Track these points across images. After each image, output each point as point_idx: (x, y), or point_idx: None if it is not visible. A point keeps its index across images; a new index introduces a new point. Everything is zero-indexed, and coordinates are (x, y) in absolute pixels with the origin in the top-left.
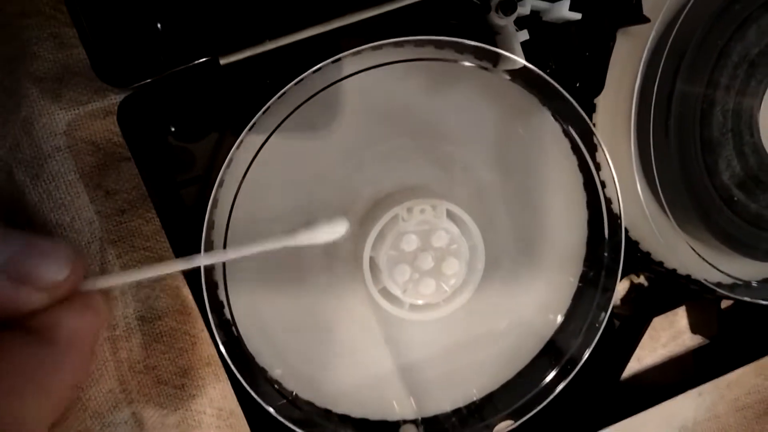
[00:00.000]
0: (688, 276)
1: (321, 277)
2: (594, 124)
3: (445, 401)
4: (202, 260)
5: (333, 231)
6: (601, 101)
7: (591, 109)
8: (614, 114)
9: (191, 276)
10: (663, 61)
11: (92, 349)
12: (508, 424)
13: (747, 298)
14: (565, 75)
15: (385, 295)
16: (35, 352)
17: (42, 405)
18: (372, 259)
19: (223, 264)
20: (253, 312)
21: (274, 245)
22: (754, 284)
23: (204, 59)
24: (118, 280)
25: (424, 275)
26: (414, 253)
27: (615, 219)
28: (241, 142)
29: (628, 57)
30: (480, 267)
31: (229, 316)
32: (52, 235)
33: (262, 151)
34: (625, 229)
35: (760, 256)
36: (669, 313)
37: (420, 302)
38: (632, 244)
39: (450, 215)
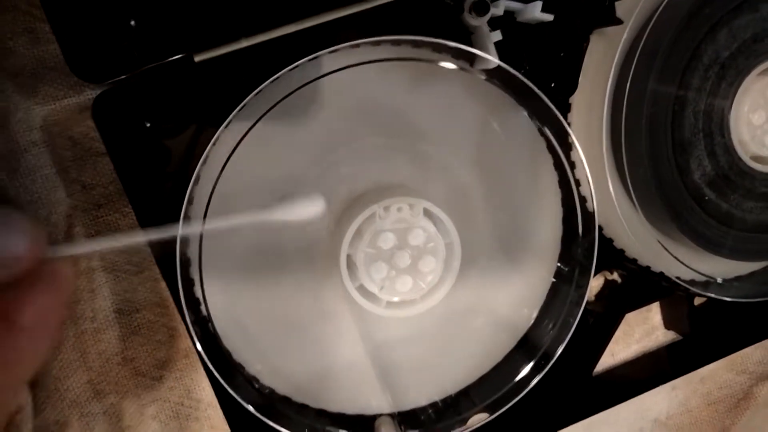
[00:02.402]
0: (661, 273)
1: (299, 274)
2: (569, 124)
3: (421, 395)
4: (175, 230)
5: (310, 208)
6: (575, 101)
7: (566, 109)
8: (589, 113)
9: (168, 272)
10: (635, 62)
11: (57, 327)
12: (483, 417)
13: (717, 296)
14: (540, 75)
15: (362, 292)
16: None
17: (2, 390)
18: (349, 257)
19: (200, 260)
20: (231, 308)
21: (250, 219)
22: (719, 281)
23: (178, 56)
24: (84, 248)
25: (401, 273)
26: (391, 251)
27: (589, 217)
28: (218, 139)
29: (602, 58)
30: (456, 264)
31: (205, 313)
32: None
33: (238, 148)
34: (600, 226)
35: (726, 253)
36: (643, 310)
37: (397, 299)
38: (606, 242)
39: (427, 213)
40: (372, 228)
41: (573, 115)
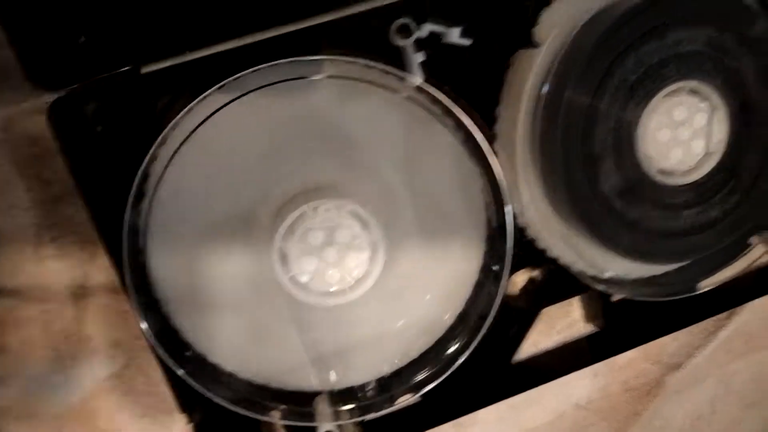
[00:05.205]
0: (580, 272)
1: (244, 262)
2: (495, 134)
3: (358, 375)
4: None
5: None
6: (501, 113)
7: (492, 120)
8: (512, 126)
9: (118, 258)
10: (549, 82)
11: None
12: (409, 396)
13: (630, 295)
14: (466, 89)
15: (294, 283)
16: None
17: None
18: (281, 250)
19: (148, 247)
20: (178, 285)
21: None
22: (632, 280)
23: (125, 68)
24: None
25: (329, 266)
26: (320, 247)
27: (511, 219)
28: (155, 154)
29: (524, 73)
30: (381, 259)
31: (157, 297)
32: None
33: (180, 154)
34: (523, 228)
35: (636, 257)
36: (564, 304)
37: (325, 290)
38: (529, 242)
39: (353, 213)
40: (303, 225)
41: (499, 126)
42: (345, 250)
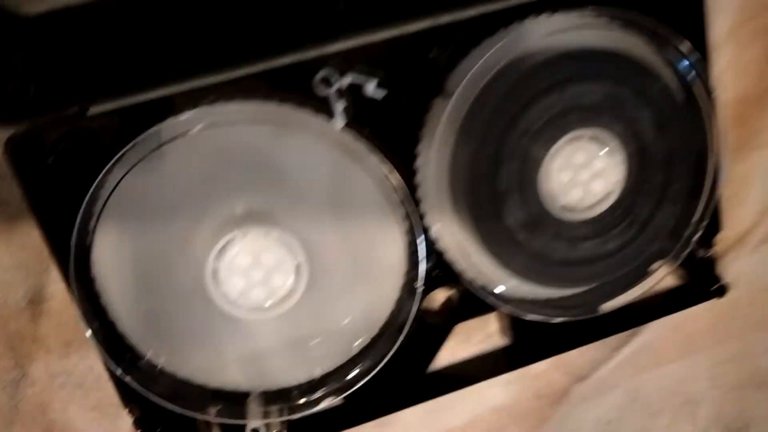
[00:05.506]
0: (491, 294)
1: (182, 278)
2: (416, 169)
3: (286, 378)
4: None
5: None
6: (421, 151)
7: (414, 157)
8: (429, 163)
9: (67, 272)
10: (460, 125)
11: None
12: (333, 398)
13: (540, 317)
14: (388, 130)
15: (224, 298)
16: None
17: None
18: (213, 269)
19: (94, 262)
20: (126, 301)
21: None
22: (542, 301)
23: (73, 108)
24: None
25: (255, 286)
26: (247, 268)
27: (424, 247)
28: (102, 181)
29: (438, 118)
30: (304, 281)
31: (104, 305)
32: None
33: (125, 180)
34: (441, 252)
35: (541, 281)
36: (481, 319)
37: (252, 306)
38: (447, 264)
39: (280, 239)
40: (233, 248)
41: (419, 162)
42: (270, 272)
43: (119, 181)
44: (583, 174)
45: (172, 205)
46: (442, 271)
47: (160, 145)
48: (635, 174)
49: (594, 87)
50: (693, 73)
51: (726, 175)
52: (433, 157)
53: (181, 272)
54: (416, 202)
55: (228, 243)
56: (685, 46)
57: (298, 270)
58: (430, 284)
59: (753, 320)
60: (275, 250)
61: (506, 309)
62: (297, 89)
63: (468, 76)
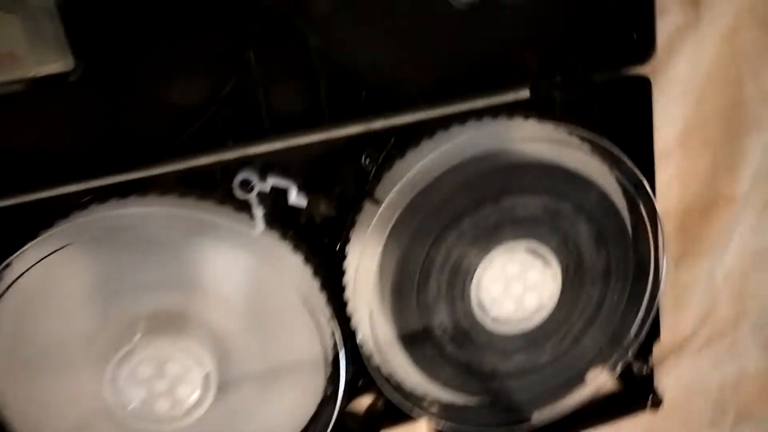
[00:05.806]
0: (419, 399)
1: (80, 384)
2: (344, 269)
3: None
4: None
5: None
6: (349, 251)
7: (343, 257)
8: (357, 266)
9: None
10: (388, 233)
11: None
12: None
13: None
14: (309, 233)
15: (122, 409)
16: None
17: None
18: (113, 378)
19: None
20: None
21: None
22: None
23: None
24: None
25: (159, 397)
26: (149, 379)
27: (356, 349)
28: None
29: (367, 224)
30: (212, 391)
31: None
32: None
33: (22, 278)
34: (370, 355)
35: (469, 392)
36: (409, 426)
37: (154, 418)
38: (373, 369)
39: (186, 349)
40: (135, 357)
41: (347, 263)
42: (175, 383)
43: (14, 281)
44: (516, 287)
45: (71, 304)
46: (366, 376)
47: (55, 252)
48: (570, 287)
49: (531, 199)
50: (635, 187)
51: (667, 284)
52: (362, 261)
53: (79, 380)
54: (343, 304)
55: (130, 351)
56: (629, 160)
57: (206, 381)
58: (354, 390)
59: (690, 427)
60: (181, 359)
61: (433, 420)
62: (217, 188)
63: (398, 186)
